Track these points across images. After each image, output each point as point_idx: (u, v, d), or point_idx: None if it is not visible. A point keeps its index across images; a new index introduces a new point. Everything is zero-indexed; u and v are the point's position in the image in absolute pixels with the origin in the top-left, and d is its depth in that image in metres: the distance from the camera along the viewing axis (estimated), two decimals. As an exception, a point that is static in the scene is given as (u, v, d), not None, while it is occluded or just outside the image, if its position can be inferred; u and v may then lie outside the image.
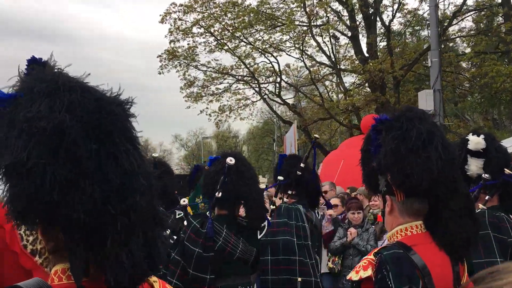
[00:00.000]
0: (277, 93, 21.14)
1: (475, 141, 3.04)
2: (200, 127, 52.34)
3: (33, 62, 1.20)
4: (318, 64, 20.67)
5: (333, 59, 19.19)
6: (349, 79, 21.48)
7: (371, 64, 15.93)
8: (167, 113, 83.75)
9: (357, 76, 19.87)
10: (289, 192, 4.52)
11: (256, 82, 21.02)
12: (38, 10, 77.95)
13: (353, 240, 5.53)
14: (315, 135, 5.21)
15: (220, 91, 21.46)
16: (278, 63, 20.56)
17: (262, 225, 3.73)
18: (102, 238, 1.08)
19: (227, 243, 3.38)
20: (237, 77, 21.29)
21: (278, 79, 20.84)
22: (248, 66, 20.54)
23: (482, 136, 3.08)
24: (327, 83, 22.46)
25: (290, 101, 24.98)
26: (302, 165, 4.47)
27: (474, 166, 3.05)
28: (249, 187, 3.49)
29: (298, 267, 4.03)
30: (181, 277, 3.36)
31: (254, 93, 22.01)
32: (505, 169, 2.98)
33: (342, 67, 20.42)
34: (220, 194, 3.37)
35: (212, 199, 3.46)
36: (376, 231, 5.68)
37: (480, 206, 3.02)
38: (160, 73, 20.47)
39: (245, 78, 21.33)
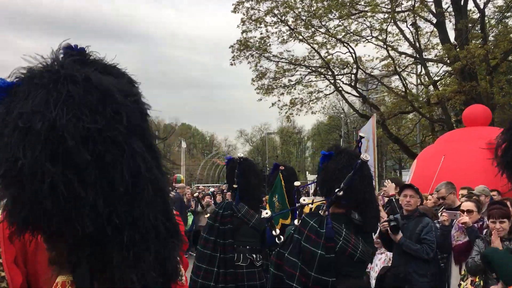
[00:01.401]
0: (353, 85, 20.03)
1: None
2: (264, 122, 52.55)
3: (69, 50, 1.07)
4: (398, 54, 19.35)
5: (418, 48, 17.84)
6: (431, 70, 20.01)
7: (467, 49, 14.41)
8: (233, 109, 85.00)
9: (443, 66, 18.42)
10: None
11: (330, 73, 20.04)
12: (112, 11, 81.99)
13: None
14: (359, 133, 4.88)
15: (292, 83, 20.71)
16: (355, 52, 19.45)
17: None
18: (108, 254, 0.98)
19: (347, 243, 3.21)
20: (310, 68, 20.41)
21: (354, 71, 19.73)
22: (322, 56, 19.60)
23: None
24: (404, 74, 21.04)
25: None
26: None
27: None
28: (370, 188, 3.31)
29: None
30: (300, 279, 3.14)
31: (327, 86, 21.10)
32: None
33: (424, 56, 18.98)
34: (342, 192, 3.13)
35: (330, 197, 3.22)
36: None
37: None
38: (231, 64, 20.07)
39: (319, 69, 20.42)
